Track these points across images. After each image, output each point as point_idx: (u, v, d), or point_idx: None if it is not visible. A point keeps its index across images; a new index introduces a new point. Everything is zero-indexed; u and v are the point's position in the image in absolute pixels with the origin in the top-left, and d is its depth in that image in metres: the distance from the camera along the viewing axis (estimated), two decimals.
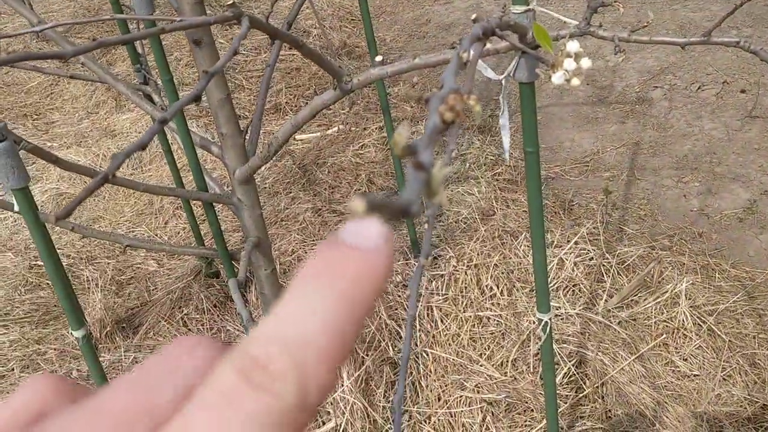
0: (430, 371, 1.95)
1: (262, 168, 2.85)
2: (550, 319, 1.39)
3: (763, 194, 2.55)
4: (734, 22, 3.52)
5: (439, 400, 1.90)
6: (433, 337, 2.04)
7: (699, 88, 3.13)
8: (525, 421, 1.81)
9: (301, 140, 3.19)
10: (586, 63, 0.75)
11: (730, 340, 1.96)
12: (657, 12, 3.72)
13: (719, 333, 1.97)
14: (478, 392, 1.87)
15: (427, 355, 1.99)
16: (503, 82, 1.14)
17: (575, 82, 0.74)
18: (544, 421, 1.78)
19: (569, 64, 0.73)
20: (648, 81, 3.24)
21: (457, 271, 2.19)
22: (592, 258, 2.13)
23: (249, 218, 1.72)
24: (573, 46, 0.74)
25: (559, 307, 2.00)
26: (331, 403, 1.91)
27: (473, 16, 0.79)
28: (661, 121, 2.98)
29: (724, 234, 2.42)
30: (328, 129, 3.22)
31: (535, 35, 0.74)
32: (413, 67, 1.27)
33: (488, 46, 1.17)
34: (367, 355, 1.96)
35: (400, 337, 2.02)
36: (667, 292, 2.02)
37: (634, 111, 3.08)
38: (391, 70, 1.27)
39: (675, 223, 2.49)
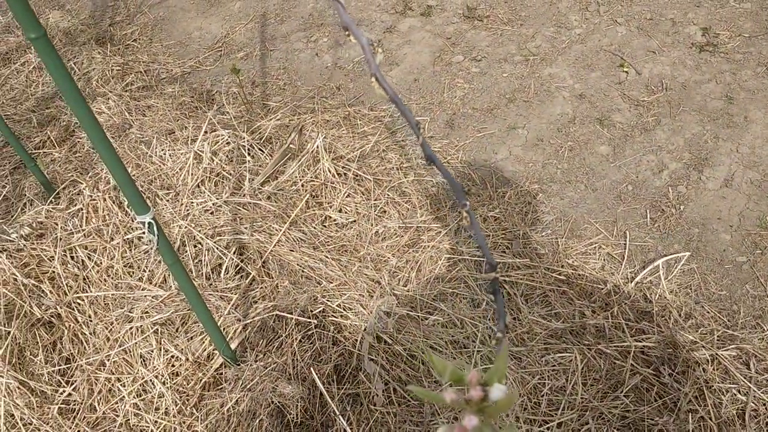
0: (90, 316, 1.76)
1: None
2: (153, 219, 1.27)
3: (386, 32, 2.63)
4: None
5: (108, 340, 1.73)
6: (84, 279, 1.82)
7: None
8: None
9: None
10: None
11: (376, 179, 2.02)
12: None
13: (365, 175, 2.02)
14: (147, 317, 1.73)
15: (82, 300, 1.78)
16: None
17: None
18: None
19: None
20: None
21: (95, 199, 1.96)
22: (229, 143, 2.03)
23: None
24: None
25: (206, 201, 1.89)
26: None
27: None
28: None
29: (359, 81, 2.47)
30: None
31: None
32: None
33: None
34: (11, 325, 1.70)
35: (44, 293, 1.78)
36: (307, 152, 2.01)
37: None
38: None
39: (314, 84, 2.48)
